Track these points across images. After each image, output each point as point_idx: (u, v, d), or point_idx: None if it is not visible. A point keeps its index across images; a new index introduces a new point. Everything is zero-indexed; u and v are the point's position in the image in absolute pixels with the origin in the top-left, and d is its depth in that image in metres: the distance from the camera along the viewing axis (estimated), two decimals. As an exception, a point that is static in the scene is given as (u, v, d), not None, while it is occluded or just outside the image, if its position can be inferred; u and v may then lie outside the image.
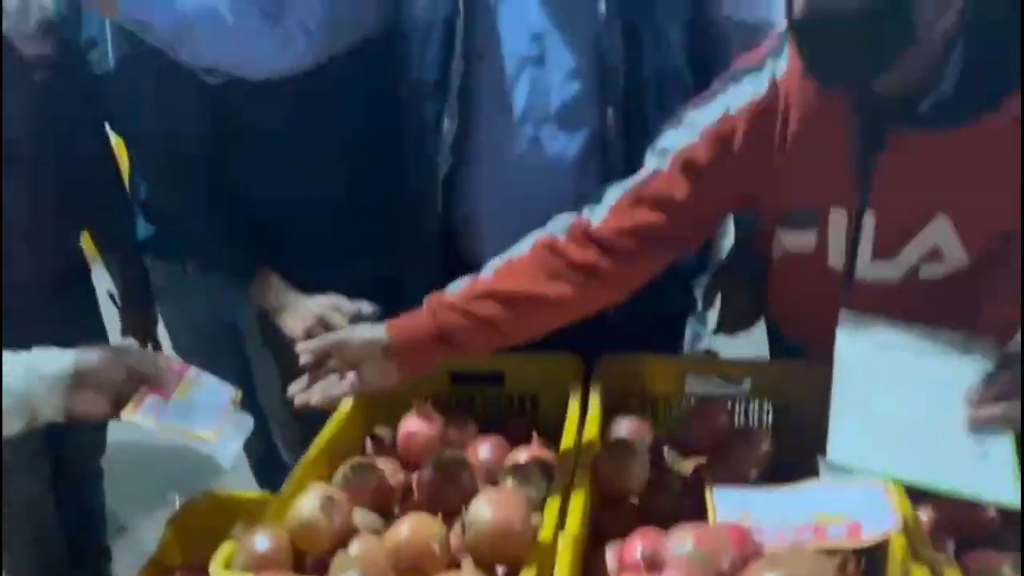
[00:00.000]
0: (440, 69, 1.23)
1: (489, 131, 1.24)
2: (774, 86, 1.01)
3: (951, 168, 0.95)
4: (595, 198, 1.11)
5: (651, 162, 1.09)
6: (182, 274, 1.61)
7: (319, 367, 1.03)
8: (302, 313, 1.34)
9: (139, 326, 1.78)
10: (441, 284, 1.10)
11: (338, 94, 1.36)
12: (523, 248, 1.10)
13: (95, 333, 1.72)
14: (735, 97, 1.04)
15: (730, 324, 1.39)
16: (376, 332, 1.05)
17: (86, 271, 1.76)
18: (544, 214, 1.13)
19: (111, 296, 1.80)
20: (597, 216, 1.09)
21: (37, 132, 1.50)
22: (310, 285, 1.38)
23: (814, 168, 1.02)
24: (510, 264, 1.10)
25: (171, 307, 1.70)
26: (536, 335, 1.11)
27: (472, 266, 1.11)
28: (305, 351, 1.03)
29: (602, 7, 1.17)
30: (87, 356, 0.92)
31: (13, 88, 1.45)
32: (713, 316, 1.45)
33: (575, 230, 1.08)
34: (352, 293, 1.34)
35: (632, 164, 1.12)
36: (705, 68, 1.22)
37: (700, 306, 1.44)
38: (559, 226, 1.10)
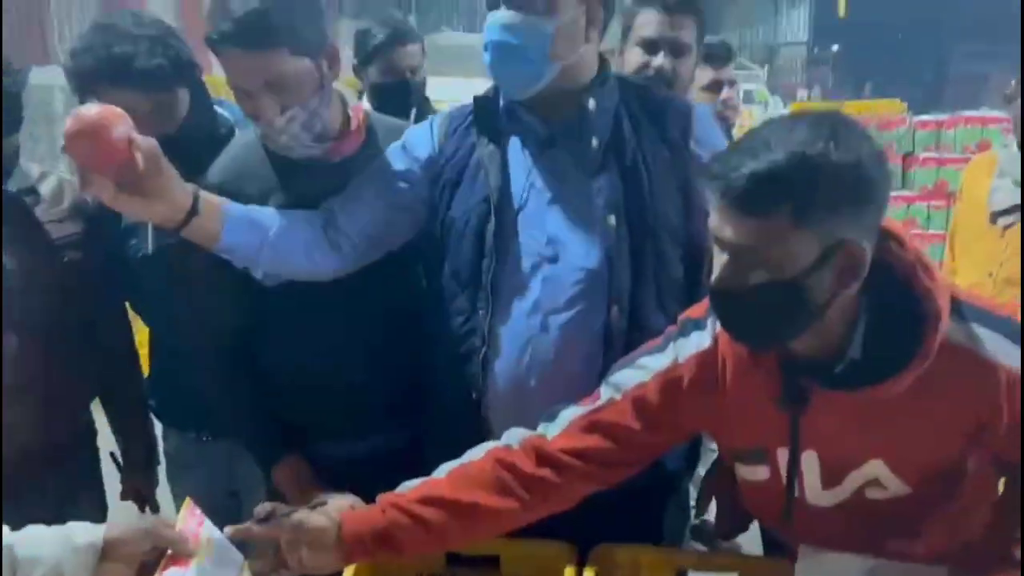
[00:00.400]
0: (471, 265, 1.35)
1: (505, 318, 1.35)
2: (715, 340, 1.13)
3: (873, 422, 1.05)
4: (550, 416, 1.22)
5: (606, 392, 1.20)
6: (196, 442, 1.65)
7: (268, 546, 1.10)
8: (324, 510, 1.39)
9: (139, 489, 1.80)
10: (455, 456, 1.18)
11: (370, 285, 1.44)
12: (477, 455, 1.19)
13: (96, 504, 1.72)
14: (683, 347, 1.16)
15: (726, 530, 1.46)
16: (330, 521, 1.13)
17: (93, 436, 1.77)
18: (551, 399, 1.24)
19: (113, 457, 1.82)
20: (551, 433, 1.19)
21: (59, 306, 1.57)
22: (329, 458, 1.43)
23: (752, 414, 1.12)
24: (464, 470, 1.18)
25: (180, 473, 1.73)
26: (478, 541, 1.18)
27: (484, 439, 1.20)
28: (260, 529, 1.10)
29: (612, 220, 1.32)
30: (116, 530, 0.97)
31: (41, 267, 1.53)
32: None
33: (528, 444, 1.18)
34: (369, 466, 1.39)
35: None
36: (696, 282, 1.35)
37: (694, 515, 1.49)
38: (514, 438, 1.20)
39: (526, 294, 1.34)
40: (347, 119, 1.46)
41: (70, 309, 1.58)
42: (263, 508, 1.14)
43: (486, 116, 1.38)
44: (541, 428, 1.20)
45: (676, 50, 1.86)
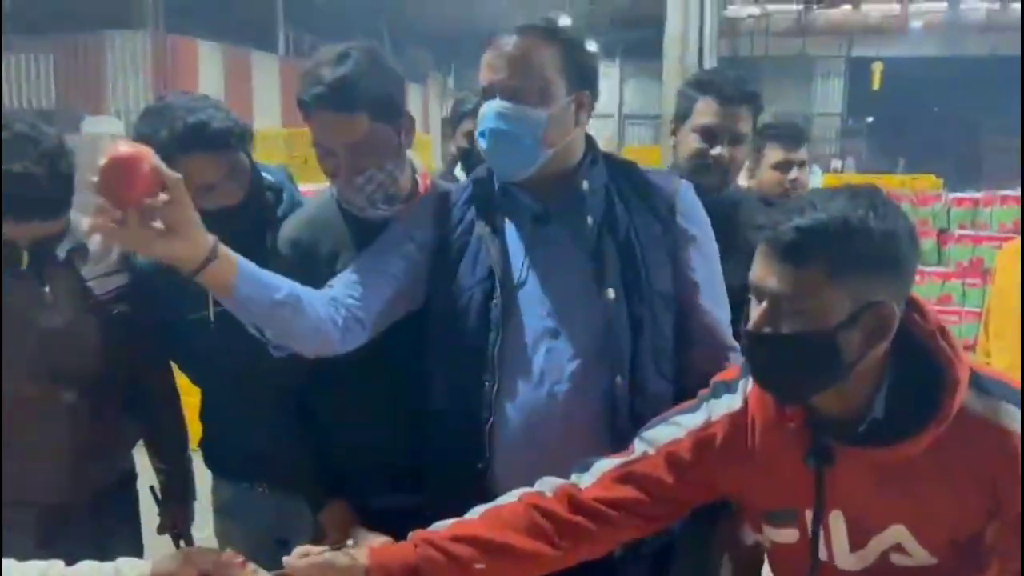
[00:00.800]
0: (476, 339, 1.41)
1: (510, 390, 1.40)
2: (745, 402, 1.21)
3: (893, 484, 1.10)
4: (583, 467, 1.27)
5: (640, 446, 1.26)
6: (249, 492, 1.71)
7: None
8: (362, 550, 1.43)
9: (176, 522, 1.87)
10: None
11: (409, 351, 1.50)
12: (511, 499, 1.24)
13: (133, 541, 1.78)
14: (716, 407, 1.24)
15: None
16: (358, 557, 1.16)
17: (134, 479, 1.85)
18: (557, 468, 1.29)
19: (152, 492, 1.89)
20: (584, 483, 1.24)
21: (108, 358, 1.64)
22: (373, 510, 1.51)
23: (780, 474, 1.18)
24: (497, 511, 1.23)
25: (231, 523, 1.78)
26: None
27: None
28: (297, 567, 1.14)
29: (611, 293, 1.39)
30: (163, 563, 1.02)
31: (88, 324, 1.61)
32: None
33: (561, 492, 1.23)
34: (411, 519, 1.41)
35: (637, 423, 1.32)
36: (685, 344, 1.47)
37: None
38: (547, 486, 1.24)
39: (530, 366, 1.39)
40: (415, 184, 1.55)
41: (118, 360, 1.66)
42: (299, 551, 1.19)
43: (484, 196, 1.46)
44: (574, 477, 1.25)
45: (733, 139, 1.92)
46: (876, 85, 20.27)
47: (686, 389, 1.37)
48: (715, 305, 1.49)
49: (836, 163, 18.82)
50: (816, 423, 1.13)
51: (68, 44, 12.78)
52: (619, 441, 1.36)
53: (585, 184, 1.43)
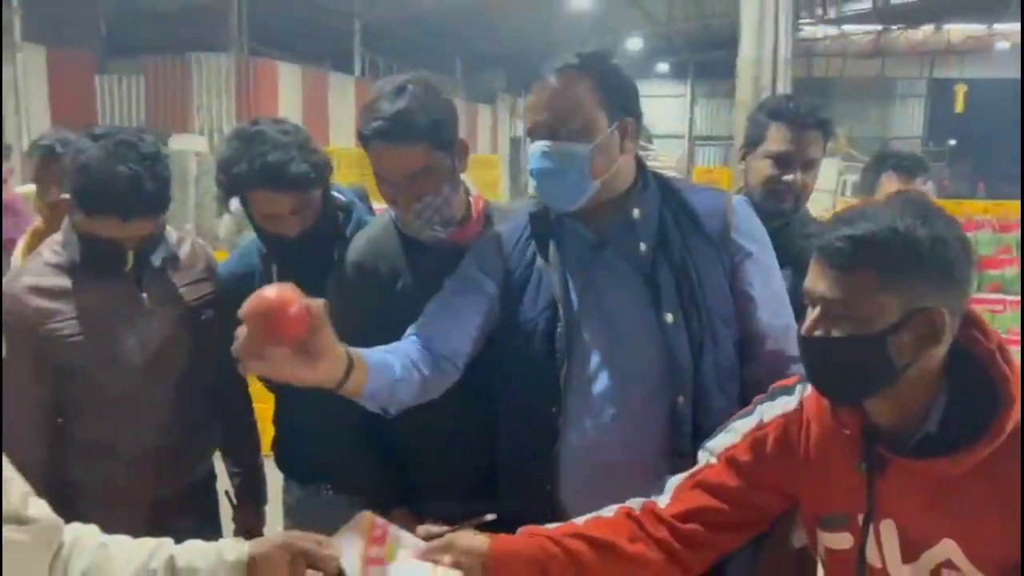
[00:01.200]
0: (541, 367, 1.44)
1: (576, 415, 1.43)
2: (801, 405, 1.24)
3: (945, 498, 1.10)
4: (659, 488, 1.31)
5: (703, 456, 1.31)
6: (317, 494, 1.78)
7: None
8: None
9: (249, 526, 1.95)
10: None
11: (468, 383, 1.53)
12: (609, 510, 1.29)
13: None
14: (769, 410, 1.27)
15: None
16: (480, 542, 1.22)
17: (214, 479, 1.95)
18: (625, 488, 1.33)
19: (227, 496, 1.98)
20: (662, 502, 1.28)
21: (197, 364, 1.74)
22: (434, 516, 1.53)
23: (834, 479, 1.20)
24: (598, 519, 1.28)
25: (298, 524, 1.84)
26: None
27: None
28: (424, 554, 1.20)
29: (669, 318, 1.41)
30: (260, 546, 1.08)
31: (181, 330, 1.71)
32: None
33: (647, 509, 1.28)
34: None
35: (701, 440, 1.34)
36: (747, 358, 1.48)
37: None
38: (635, 504, 1.29)
39: (594, 392, 1.42)
40: (469, 206, 1.60)
41: (204, 366, 1.75)
42: (422, 529, 1.25)
43: (541, 229, 1.50)
44: (654, 497, 1.30)
45: (805, 165, 1.93)
46: (960, 107, 19.67)
47: (748, 402, 1.37)
48: (774, 318, 1.50)
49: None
50: (871, 432, 1.15)
51: (158, 66, 13.40)
52: (683, 459, 1.38)
53: (636, 212, 1.45)
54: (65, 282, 1.63)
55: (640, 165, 1.51)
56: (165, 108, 13.30)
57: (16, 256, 2.53)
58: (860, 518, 1.18)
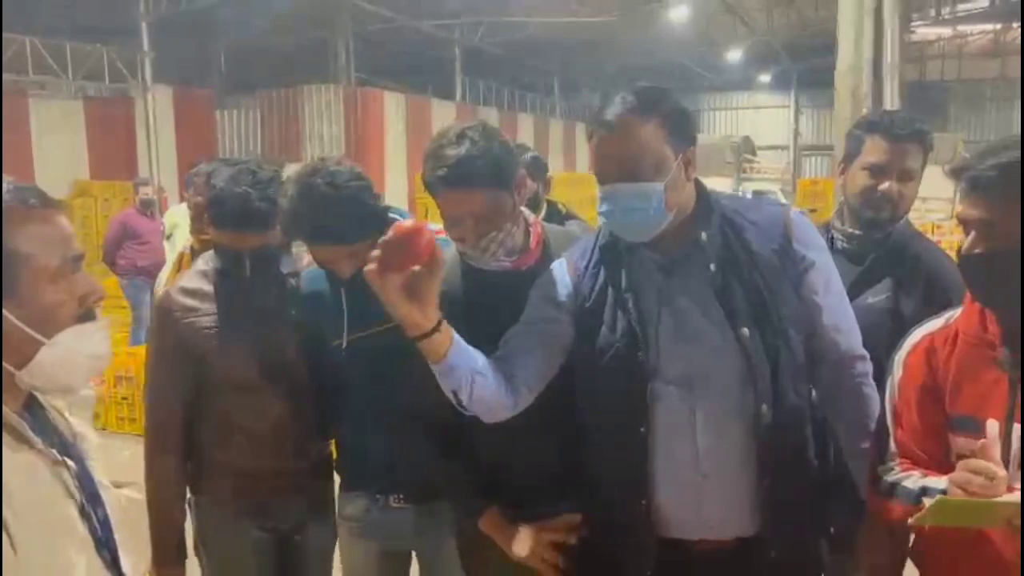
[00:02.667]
0: (623, 389, 1.50)
1: (663, 431, 1.49)
2: (948, 322, 1.41)
3: None
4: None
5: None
6: (383, 504, 1.89)
7: None
8: (524, 538, 1.62)
9: None
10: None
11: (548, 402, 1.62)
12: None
13: (327, 526, 2.04)
14: (927, 327, 1.45)
15: None
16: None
17: (330, 467, 2.09)
18: (717, 498, 1.45)
19: None
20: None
21: (309, 362, 1.95)
22: (519, 517, 1.66)
23: (976, 383, 1.33)
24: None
25: (358, 537, 1.96)
26: None
27: None
28: None
29: (746, 331, 1.47)
30: None
31: (296, 331, 1.93)
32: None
33: None
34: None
35: (780, 439, 1.45)
36: (811, 360, 1.55)
37: None
38: None
39: (680, 407, 1.48)
40: (528, 235, 1.69)
41: (313, 366, 1.96)
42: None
43: (612, 258, 1.56)
44: None
45: (903, 176, 1.93)
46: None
47: (814, 401, 1.43)
48: (840, 321, 1.55)
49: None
50: (1010, 335, 1.29)
51: (271, 99, 14.18)
52: (768, 461, 1.46)
53: (703, 235, 1.50)
54: (207, 286, 1.93)
55: (700, 187, 1.56)
56: (279, 138, 14.03)
57: (162, 275, 3.02)
58: (988, 424, 1.26)
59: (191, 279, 1.97)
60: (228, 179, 1.83)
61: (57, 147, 11.18)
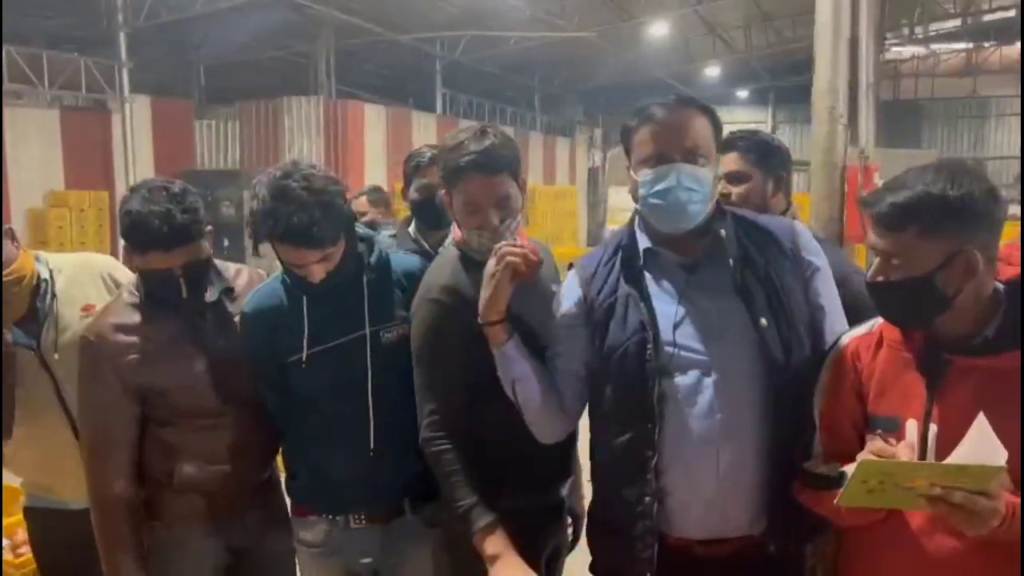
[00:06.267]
0: (635, 387, 1.54)
1: (677, 427, 1.52)
2: (873, 328, 1.50)
3: (1004, 398, 1.30)
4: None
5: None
6: (344, 526, 1.88)
7: None
8: (513, 567, 1.63)
9: None
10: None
11: None
12: None
13: (285, 540, 2.01)
14: (847, 335, 1.54)
15: None
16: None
17: (278, 484, 2.09)
18: (728, 487, 1.50)
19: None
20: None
21: (254, 383, 1.94)
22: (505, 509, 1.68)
23: (897, 384, 1.41)
24: None
25: (318, 562, 1.94)
26: None
27: None
28: None
29: (763, 322, 1.52)
30: None
31: (240, 354, 1.90)
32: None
33: None
34: (534, 516, 1.73)
35: (791, 434, 1.50)
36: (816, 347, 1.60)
37: None
38: None
39: (696, 400, 1.51)
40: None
41: (252, 387, 1.92)
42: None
43: (629, 258, 1.62)
44: None
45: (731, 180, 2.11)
46: (1060, 126, 18.74)
47: None
48: (838, 324, 1.62)
49: (1015, 209, 17.46)
50: (935, 340, 1.38)
51: (251, 110, 14.11)
52: (779, 451, 1.51)
53: (724, 232, 1.58)
54: (138, 318, 1.87)
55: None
56: (259, 149, 13.96)
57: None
58: (908, 424, 1.37)
59: (119, 314, 1.88)
60: (142, 200, 1.76)
61: (32, 157, 11.04)
